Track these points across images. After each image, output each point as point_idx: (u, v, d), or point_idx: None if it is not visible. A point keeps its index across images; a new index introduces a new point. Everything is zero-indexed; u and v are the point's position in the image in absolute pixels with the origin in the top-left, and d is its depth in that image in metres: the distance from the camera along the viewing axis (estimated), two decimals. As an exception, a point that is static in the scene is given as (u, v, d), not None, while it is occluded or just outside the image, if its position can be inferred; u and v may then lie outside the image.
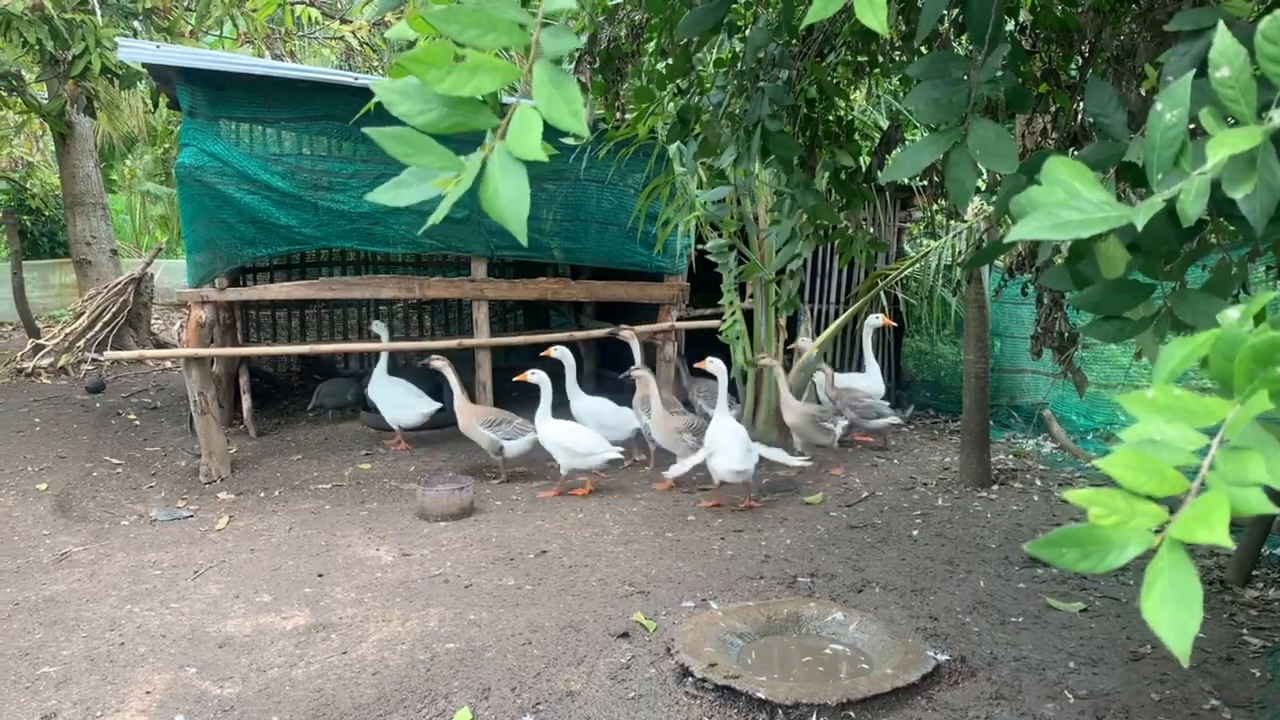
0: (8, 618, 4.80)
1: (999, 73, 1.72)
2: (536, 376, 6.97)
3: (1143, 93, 3.51)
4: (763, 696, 3.66)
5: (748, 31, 3.78)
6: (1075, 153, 3.86)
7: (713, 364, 6.80)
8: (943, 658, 4.06)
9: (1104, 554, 1.05)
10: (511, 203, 1.11)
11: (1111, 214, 1.12)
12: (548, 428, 6.87)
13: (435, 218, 1.18)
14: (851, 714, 3.62)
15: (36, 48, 8.69)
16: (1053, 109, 4.03)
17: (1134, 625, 4.45)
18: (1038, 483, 6.97)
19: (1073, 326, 4.85)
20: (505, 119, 1.16)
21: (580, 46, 1.17)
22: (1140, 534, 1.03)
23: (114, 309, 11.79)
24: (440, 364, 7.43)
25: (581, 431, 6.93)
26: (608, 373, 10.72)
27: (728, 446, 6.19)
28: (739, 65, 3.82)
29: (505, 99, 1.27)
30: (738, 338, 7.65)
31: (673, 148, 6.72)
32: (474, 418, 7.27)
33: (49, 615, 4.81)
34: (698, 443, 6.59)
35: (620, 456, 6.94)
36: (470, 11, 1.11)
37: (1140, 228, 1.15)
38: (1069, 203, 1.14)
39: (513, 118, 1.14)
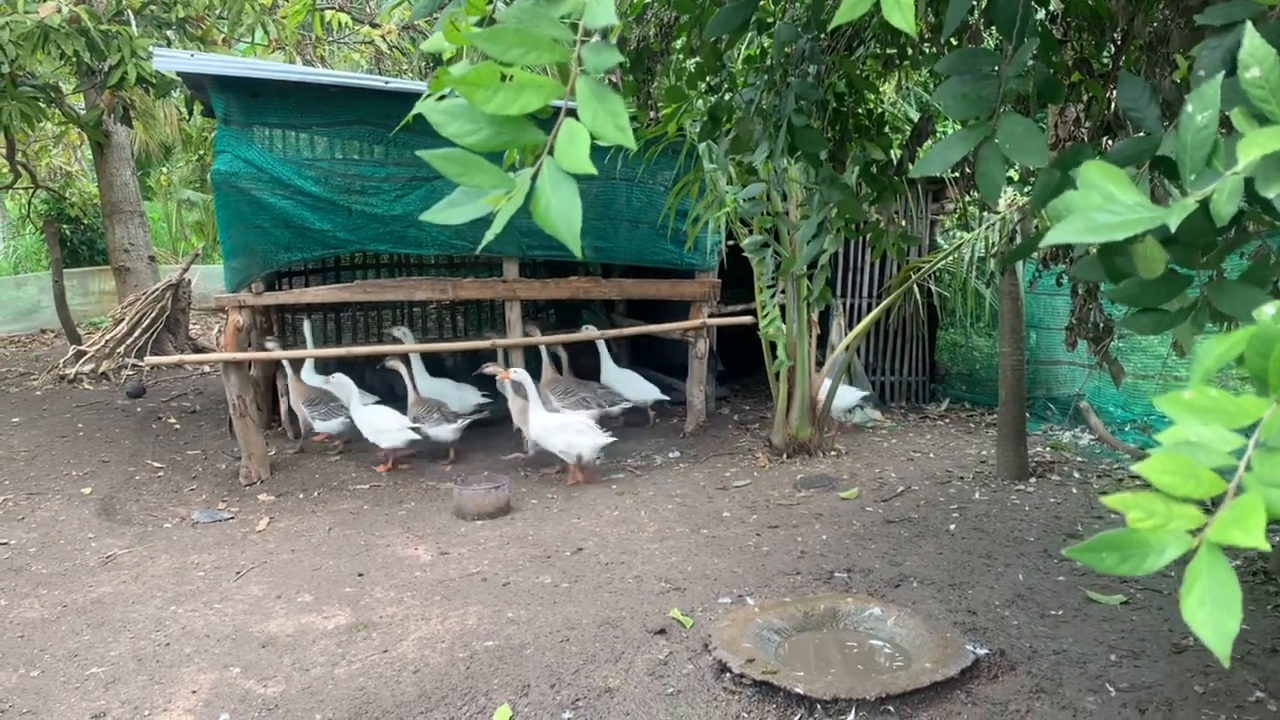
0: (56, 619, 4.90)
1: (1029, 66, 1.72)
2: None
3: (1175, 81, 3.48)
4: (801, 691, 3.66)
5: (776, 28, 3.78)
6: (1108, 142, 3.84)
7: (517, 373, 7.35)
8: (982, 652, 4.05)
9: (1143, 557, 1.06)
10: (564, 216, 1.13)
11: (1146, 216, 1.13)
12: (360, 413, 7.59)
13: (490, 235, 1.20)
14: (890, 709, 3.62)
15: (74, 59, 8.84)
16: (1085, 98, 4.01)
17: (1176, 618, 4.41)
18: (1076, 475, 6.92)
19: (1108, 317, 4.82)
20: (552, 134, 1.18)
21: (623, 61, 1.19)
22: (1178, 537, 1.04)
23: (153, 315, 11.97)
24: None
25: (387, 414, 7.60)
26: (640, 370, 10.74)
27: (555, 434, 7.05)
28: (767, 61, 3.83)
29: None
30: (778, 335, 7.64)
31: (703, 145, 6.73)
32: (299, 396, 8.10)
33: (96, 616, 4.91)
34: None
35: (418, 437, 7.62)
36: (513, 31, 1.13)
37: (1174, 229, 1.16)
38: (1104, 206, 1.15)
39: (560, 133, 1.16)
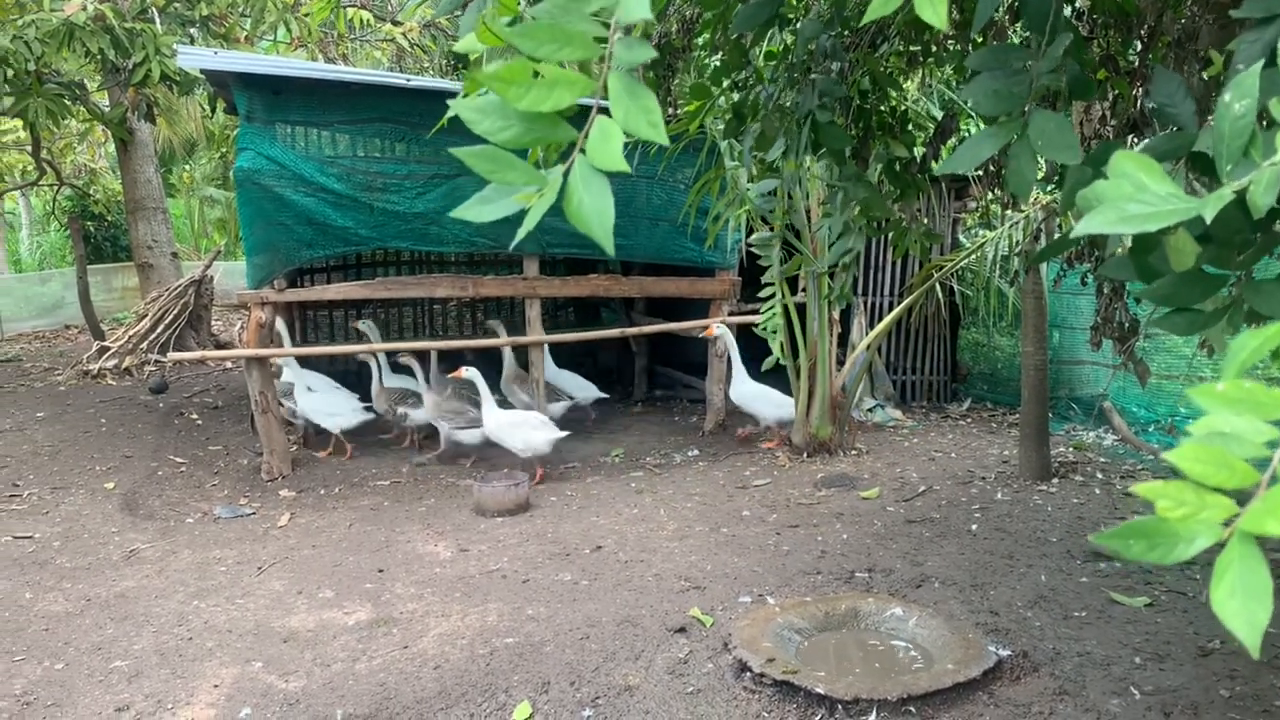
0: (80, 613, 4.94)
1: (1061, 61, 1.70)
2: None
3: (1204, 78, 3.44)
4: (822, 691, 3.65)
5: (799, 24, 3.77)
6: (1135, 141, 3.80)
7: (468, 370, 7.42)
8: (1004, 653, 4.02)
9: (1172, 546, 1.05)
10: (596, 213, 1.12)
11: (1179, 206, 1.11)
12: (305, 399, 7.90)
13: (522, 232, 1.20)
14: (912, 709, 3.60)
15: (99, 57, 8.90)
16: (1111, 96, 3.97)
17: (1201, 620, 4.37)
18: (1099, 476, 6.86)
19: (1134, 316, 4.77)
20: (584, 131, 1.17)
21: (655, 57, 1.18)
22: (1209, 526, 1.02)
23: (175, 311, 12.06)
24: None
25: (328, 398, 8.01)
26: (660, 368, 10.76)
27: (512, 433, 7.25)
28: (790, 58, 3.81)
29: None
30: (775, 332, 7.62)
31: (725, 142, 6.72)
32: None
33: (120, 611, 4.94)
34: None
35: (371, 417, 8.05)
36: (546, 27, 1.12)
37: (1209, 220, 1.14)
38: (1136, 196, 1.13)
39: (592, 130, 1.15)
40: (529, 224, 1.19)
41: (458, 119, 1.26)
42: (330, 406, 7.80)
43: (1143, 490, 1.03)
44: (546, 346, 8.59)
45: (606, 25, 1.14)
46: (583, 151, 1.16)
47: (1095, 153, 1.61)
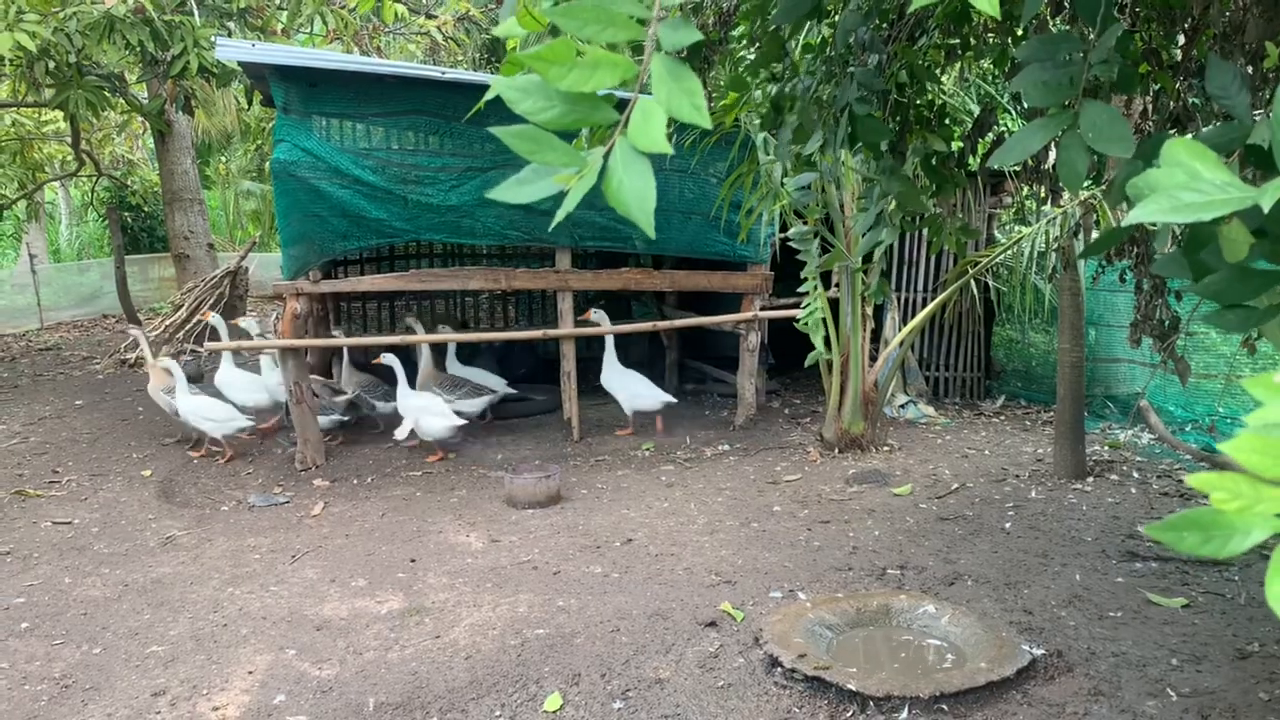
0: (118, 598, 5.00)
1: (1112, 52, 1.66)
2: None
3: (1248, 70, 3.37)
4: (853, 688, 3.63)
5: (837, 16, 3.73)
6: (1178, 135, 3.74)
7: (386, 357, 7.87)
8: (1038, 652, 3.98)
9: (1227, 539, 1.02)
10: (637, 196, 1.11)
11: (1235, 195, 1.08)
12: (185, 401, 7.75)
13: (562, 213, 1.19)
14: (944, 707, 3.57)
15: (138, 49, 8.99)
16: (1153, 89, 3.90)
17: (1239, 622, 4.31)
18: (1135, 475, 6.78)
19: (1174, 313, 4.70)
20: (626, 113, 1.16)
21: (701, 39, 1.17)
22: (1265, 519, 1.00)
23: (211, 301, 12.17)
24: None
25: (209, 402, 7.77)
26: (690, 362, 10.74)
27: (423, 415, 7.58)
28: (828, 50, 3.78)
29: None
30: (817, 327, 7.58)
31: (760, 136, 6.68)
32: (157, 383, 8.21)
33: (156, 597, 5.01)
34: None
35: (251, 424, 7.92)
36: (590, 7, 1.11)
37: (1267, 209, 1.11)
38: (1190, 184, 1.10)
39: (634, 111, 1.14)
40: (569, 205, 1.18)
41: (492, 109, 1.26)
42: (206, 411, 7.67)
43: (1197, 481, 1.01)
44: (452, 345, 8.83)
45: (649, 7, 1.13)
46: (624, 132, 1.15)
47: (1147, 146, 1.58)
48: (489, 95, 1.30)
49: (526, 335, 9.21)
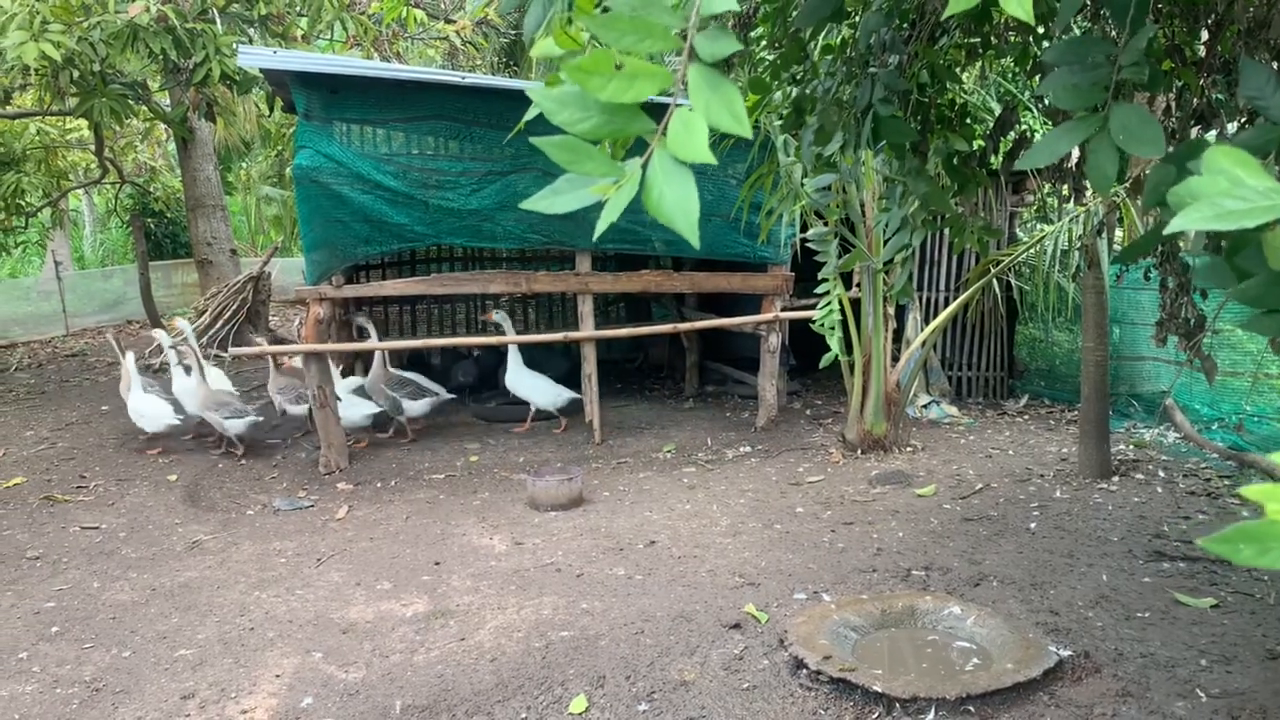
0: (145, 602, 5.05)
1: (1143, 54, 1.66)
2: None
3: (1274, 66, 3.35)
4: (879, 690, 3.62)
5: (857, 18, 3.73)
6: (1201, 133, 3.71)
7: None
8: (1065, 653, 3.96)
9: (1285, 550, 1.02)
10: (680, 206, 1.12)
11: (1278, 202, 1.08)
12: (133, 399, 8.18)
13: (602, 225, 1.20)
14: (971, 709, 3.56)
15: (161, 57, 9.07)
16: (1176, 87, 3.87)
17: (1269, 622, 4.27)
18: (1161, 474, 6.73)
19: (1200, 312, 4.66)
20: (663, 122, 1.17)
21: (741, 49, 1.17)
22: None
23: (234, 306, 12.26)
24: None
25: (146, 401, 8.19)
26: (710, 364, 10.73)
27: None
28: (848, 51, 3.77)
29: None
30: (833, 328, 7.56)
31: (779, 137, 6.67)
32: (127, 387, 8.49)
33: (183, 600, 5.05)
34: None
35: (179, 421, 8.15)
36: (628, 18, 1.12)
37: (1311, 215, 1.11)
38: (1232, 192, 1.10)
39: (672, 121, 1.15)
40: (610, 216, 1.19)
41: (512, 118, 1.27)
42: (144, 408, 8.11)
43: (1253, 493, 1.01)
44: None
45: (685, 17, 1.14)
46: (662, 142, 1.15)
47: (1179, 149, 1.57)
48: (531, 113, 1.32)
49: (546, 338, 9.23)
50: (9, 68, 8.70)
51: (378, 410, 8.25)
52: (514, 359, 8.66)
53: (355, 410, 8.11)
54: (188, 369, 8.35)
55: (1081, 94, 1.66)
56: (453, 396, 8.90)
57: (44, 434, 9.04)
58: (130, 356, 8.46)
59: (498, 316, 8.84)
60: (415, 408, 8.40)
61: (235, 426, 7.96)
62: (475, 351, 10.34)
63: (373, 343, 8.34)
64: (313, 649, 4.39)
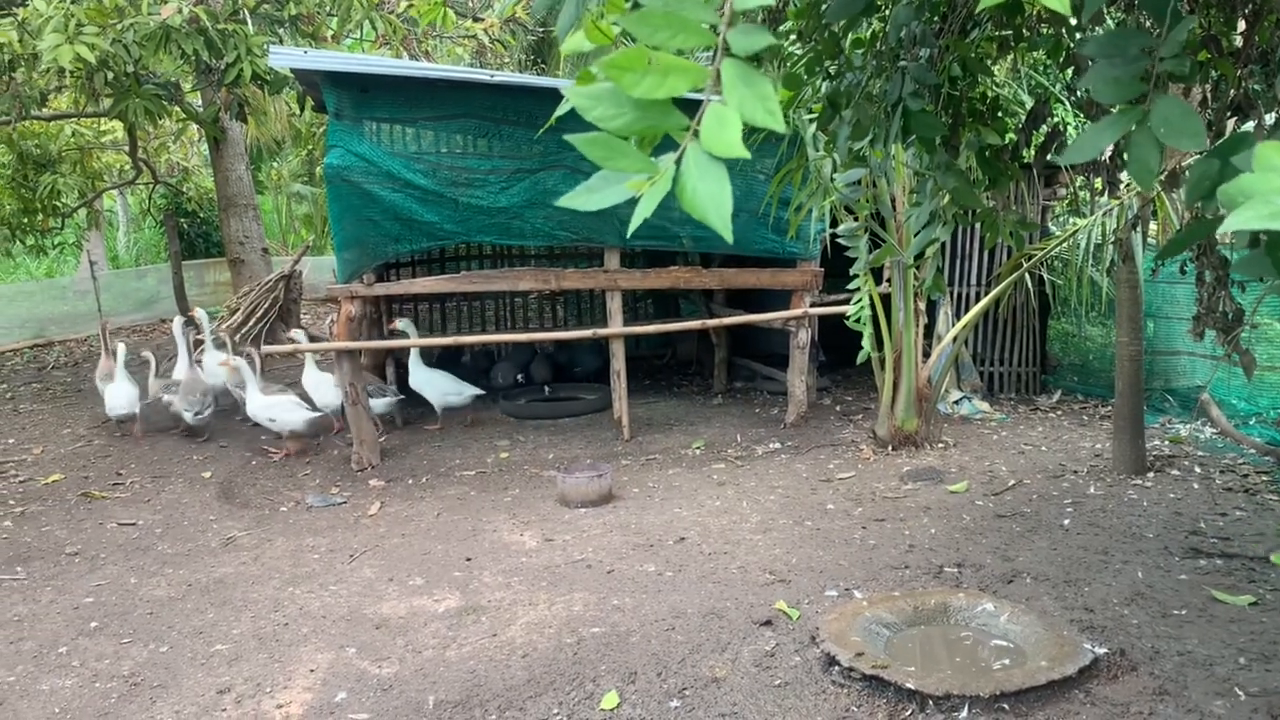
0: (181, 597, 5.11)
1: (1183, 47, 1.63)
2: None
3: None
4: (912, 687, 3.60)
5: (887, 11, 3.70)
6: (1234, 124, 3.66)
7: (235, 360, 8.50)
8: (1100, 651, 3.92)
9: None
10: (714, 201, 1.12)
11: (1334, 200, 1.06)
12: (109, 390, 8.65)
13: (636, 221, 1.20)
14: (1005, 706, 3.53)
15: (193, 58, 9.14)
16: (1212, 78, 3.81)
17: (1310, 621, 4.21)
18: (1197, 470, 6.65)
19: (1238, 305, 4.60)
20: (696, 118, 1.17)
21: (773, 43, 1.17)
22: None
23: (266, 305, 12.34)
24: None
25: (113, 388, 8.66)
26: (739, 360, 10.71)
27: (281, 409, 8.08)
28: (878, 45, 3.74)
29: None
30: (864, 324, 7.52)
31: (808, 132, 6.64)
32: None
33: (219, 596, 5.11)
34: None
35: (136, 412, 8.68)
36: (661, 14, 1.12)
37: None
38: (1287, 189, 1.08)
39: (706, 116, 1.15)
40: (644, 211, 1.19)
41: (540, 116, 1.28)
42: (112, 398, 8.62)
43: None
44: (311, 355, 8.77)
45: (719, 12, 1.14)
46: (696, 137, 1.15)
47: (1222, 144, 1.54)
48: (563, 109, 1.32)
49: (575, 335, 9.24)
50: (45, 70, 8.80)
51: (318, 414, 8.25)
52: (414, 360, 8.78)
53: (294, 414, 8.10)
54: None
55: (1122, 87, 1.64)
56: (401, 397, 8.97)
57: (80, 431, 9.17)
58: (121, 348, 8.81)
59: (401, 324, 8.93)
60: (375, 406, 8.45)
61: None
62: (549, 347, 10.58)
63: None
64: (346, 644, 4.43)
